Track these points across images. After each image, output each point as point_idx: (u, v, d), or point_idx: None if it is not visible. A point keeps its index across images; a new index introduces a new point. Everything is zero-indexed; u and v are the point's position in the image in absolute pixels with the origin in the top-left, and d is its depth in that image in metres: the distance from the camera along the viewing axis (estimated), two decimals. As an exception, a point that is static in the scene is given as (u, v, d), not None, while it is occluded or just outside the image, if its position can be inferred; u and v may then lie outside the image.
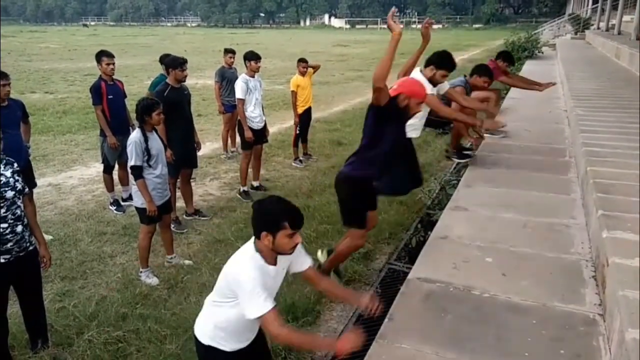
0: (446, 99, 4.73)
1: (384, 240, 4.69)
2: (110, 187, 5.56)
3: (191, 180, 5.52)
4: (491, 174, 4.81)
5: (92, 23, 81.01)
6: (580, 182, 4.38)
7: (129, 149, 3.80)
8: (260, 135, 5.97)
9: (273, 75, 16.77)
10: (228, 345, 2.12)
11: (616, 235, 2.87)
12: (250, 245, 2.07)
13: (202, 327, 2.18)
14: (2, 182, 2.71)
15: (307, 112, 7.18)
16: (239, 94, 5.69)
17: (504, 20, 59.71)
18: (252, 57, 5.78)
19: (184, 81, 5.00)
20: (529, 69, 12.49)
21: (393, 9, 3.06)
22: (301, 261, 2.24)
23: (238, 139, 6.89)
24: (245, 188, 5.95)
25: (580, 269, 3.05)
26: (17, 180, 2.81)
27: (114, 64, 5.32)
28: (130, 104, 5.22)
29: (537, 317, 2.58)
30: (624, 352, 2.00)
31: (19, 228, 2.81)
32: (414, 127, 4.18)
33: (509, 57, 6.44)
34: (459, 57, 13.23)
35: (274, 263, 2.09)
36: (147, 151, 3.82)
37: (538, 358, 2.30)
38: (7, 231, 2.75)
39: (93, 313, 3.49)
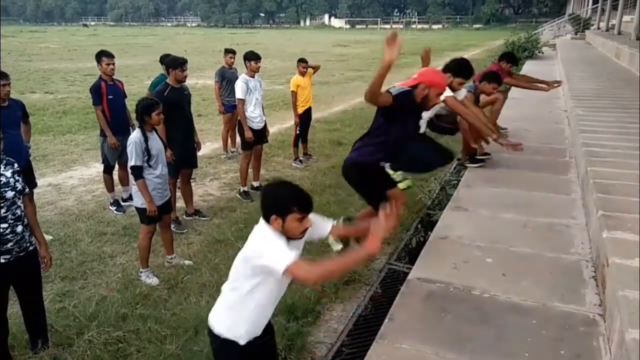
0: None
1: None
2: (110, 187, 5.55)
3: (191, 180, 5.52)
4: (491, 174, 4.81)
5: (92, 23, 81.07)
6: (581, 182, 4.38)
7: (129, 149, 3.80)
8: (261, 135, 5.97)
9: (273, 76, 16.77)
10: (243, 330, 2.10)
11: (616, 236, 2.87)
12: (262, 224, 2.06)
13: (217, 315, 2.18)
14: (2, 182, 2.71)
15: (307, 112, 7.18)
16: (239, 94, 5.69)
17: (504, 20, 59.72)
18: (252, 57, 5.78)
19: (184, 81, 5.00)
20: (529, 69, 12.49)
21: (396, 32, 2.82)
22: (322, 228, 2.25)
23: (238, 139, 6.89)
24: (245, 188, 5.94)
25: (581, 269, 3.05)
26: (18, 181, 2.81)
27: (114, 64, 5.32)
28: (130, 104, 5.22)
29: (537, 317, 2.58)
30: (624, 352, 2.01)
31: (19, 228, 2.81)
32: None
33: (512, 58, 6.40)
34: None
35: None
36: (147, 151, 3.82)
37: (538, 358, 2.30)
38: (7, 231, 2.75)
39: (93, 313, 3.49)
